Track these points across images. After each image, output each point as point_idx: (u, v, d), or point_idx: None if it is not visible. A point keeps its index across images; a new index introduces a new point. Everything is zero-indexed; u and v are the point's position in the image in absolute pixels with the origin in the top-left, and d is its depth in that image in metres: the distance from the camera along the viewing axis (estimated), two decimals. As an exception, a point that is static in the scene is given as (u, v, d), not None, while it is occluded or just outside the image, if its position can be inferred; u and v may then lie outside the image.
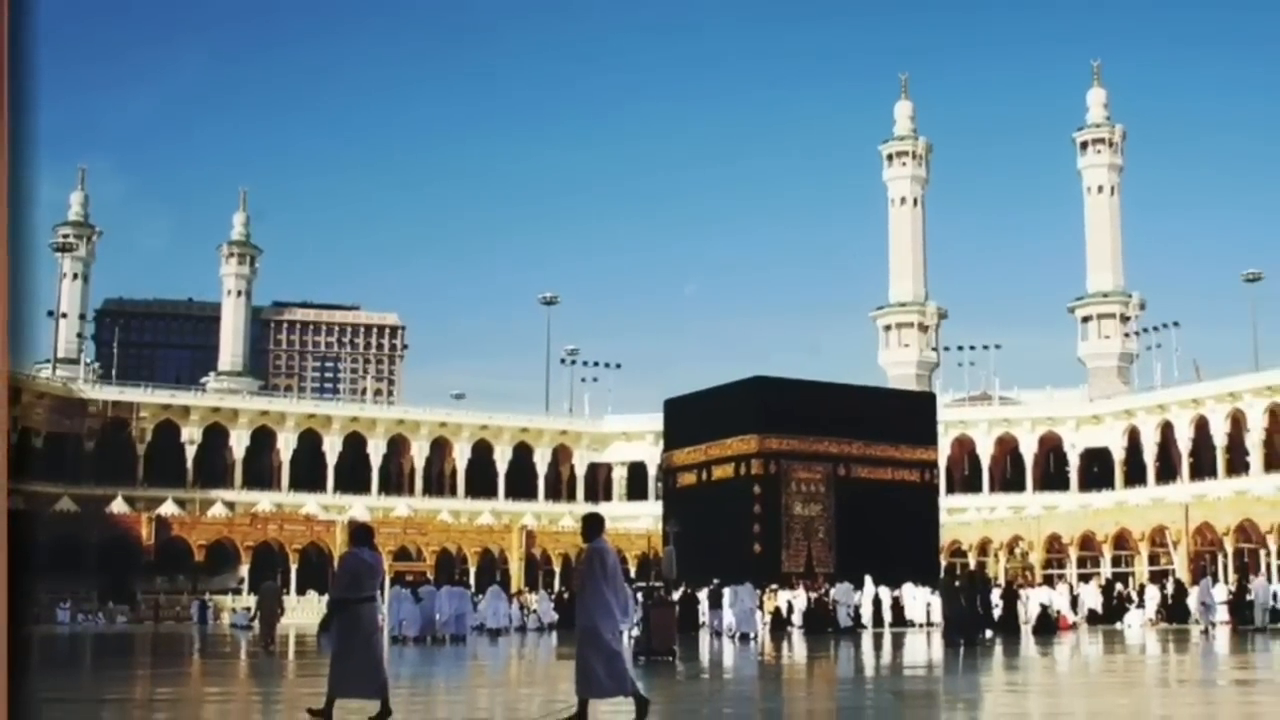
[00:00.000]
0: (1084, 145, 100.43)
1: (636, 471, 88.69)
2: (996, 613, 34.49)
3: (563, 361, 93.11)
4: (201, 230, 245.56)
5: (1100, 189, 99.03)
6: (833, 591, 39.71)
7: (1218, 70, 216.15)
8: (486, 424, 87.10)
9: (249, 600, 52.76)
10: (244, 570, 65.57)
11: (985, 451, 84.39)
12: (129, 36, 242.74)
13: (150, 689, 18.71)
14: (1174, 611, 42.73)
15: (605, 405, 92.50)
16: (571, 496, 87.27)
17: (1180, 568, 59.24)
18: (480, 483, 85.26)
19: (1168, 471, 78.64)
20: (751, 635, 34.58)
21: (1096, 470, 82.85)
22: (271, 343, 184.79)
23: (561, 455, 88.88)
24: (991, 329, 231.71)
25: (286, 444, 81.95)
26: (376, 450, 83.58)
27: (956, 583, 32.26)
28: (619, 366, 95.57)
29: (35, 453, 70.10)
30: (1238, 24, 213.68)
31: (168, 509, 69.16)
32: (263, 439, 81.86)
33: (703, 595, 37.90)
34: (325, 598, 16.41)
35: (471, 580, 61.56)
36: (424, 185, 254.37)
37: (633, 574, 59.11)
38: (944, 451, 69.53)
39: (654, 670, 19.90)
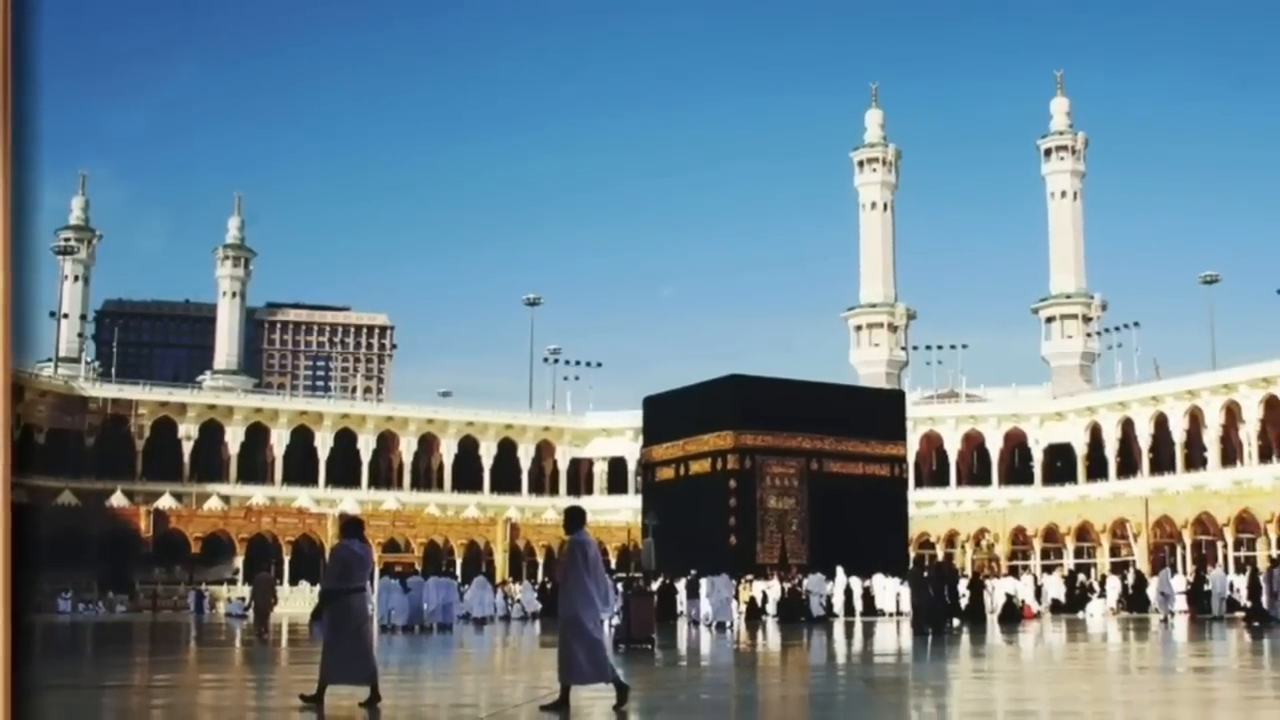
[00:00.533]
0: (1048, 152, 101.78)
1: (617, 466, 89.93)
2: (963, 602, 34.78)
3: (545, 360, 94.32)
4: (198, 234, 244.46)
5: (1063, 194, 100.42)
6: (806, 582, 39.42)
7: (1176, 80, 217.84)
8: (472, 421, 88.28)
9: (244, 590, 52.83)
10: (239, 561, 66.70)
11: (952, 447, 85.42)
12: (128, 48, 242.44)
13: (149, 676, 18.88)
14: (1134, 601, 42.84)
15: (586, 403, 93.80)
16: (554, 490, 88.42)
17: (1140, 559, 59.99)
18: (466, 477, 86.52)
19: (1128, 466, 79.60)
20: (727, 624, 34.51)
21: (1060, 465, 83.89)
22: (265, 342, 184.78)
23: (544, 451, 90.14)
24: (958, 329, 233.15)
25: (280, 440, 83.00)
26: (366, 446, 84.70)
27: (925, 573, 32.26)
28: (600, 365, 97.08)
29: (38, 448, 70.79)
30: (1195, 35, 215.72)
31: (165, 502, 70.32)
32: (257, 435, 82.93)
33: (681, 585, 38.09)
34: (317, 588, 18.08)
35: (458, 571, 62.17)
36: (412, 190, 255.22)
37: (613, 565, 60.04)
38: (913, 447, 70.37)
39: (633, 658, 20.02)
